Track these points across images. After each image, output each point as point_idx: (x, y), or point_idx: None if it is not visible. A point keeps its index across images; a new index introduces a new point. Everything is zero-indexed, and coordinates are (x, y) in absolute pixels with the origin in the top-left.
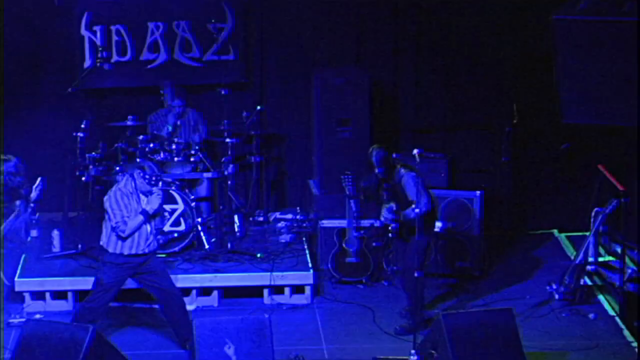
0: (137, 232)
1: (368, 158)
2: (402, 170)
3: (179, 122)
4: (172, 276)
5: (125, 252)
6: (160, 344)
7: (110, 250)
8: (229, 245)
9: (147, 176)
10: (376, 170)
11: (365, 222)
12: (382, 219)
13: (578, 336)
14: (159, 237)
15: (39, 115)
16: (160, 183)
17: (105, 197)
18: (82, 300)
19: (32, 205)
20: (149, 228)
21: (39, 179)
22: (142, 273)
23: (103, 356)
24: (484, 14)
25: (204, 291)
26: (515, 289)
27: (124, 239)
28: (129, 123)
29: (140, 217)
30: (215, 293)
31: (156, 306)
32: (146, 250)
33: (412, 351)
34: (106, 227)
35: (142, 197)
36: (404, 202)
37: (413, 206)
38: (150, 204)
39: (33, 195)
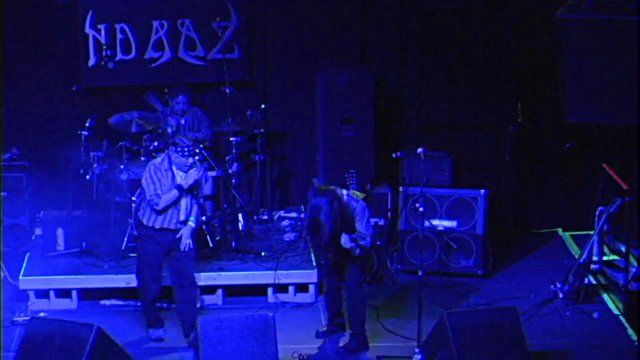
0: (172, 208)
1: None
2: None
3: (182, 121)
4: None
5: (157, 226)
6: (165, 342)
7: (144, 222)
8: (233, 243)
9: (179, 149)
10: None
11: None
12: (347, 245)
13: (582, 335)
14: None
15: (43, 113)
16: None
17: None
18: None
19: None
20: (184, 205)
21: None
22: (173, 251)
23: (107, 354)
24: (489, 13)
25: (208, 289)
26: (520, 287)
27: (158, 213)
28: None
29: (175, 192)
30: (219, 291)
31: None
32: (178, 227)
33: (416, 350)
34: (143, 200)
35: (180, 172)
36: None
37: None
38: (186, 179)
39: None
